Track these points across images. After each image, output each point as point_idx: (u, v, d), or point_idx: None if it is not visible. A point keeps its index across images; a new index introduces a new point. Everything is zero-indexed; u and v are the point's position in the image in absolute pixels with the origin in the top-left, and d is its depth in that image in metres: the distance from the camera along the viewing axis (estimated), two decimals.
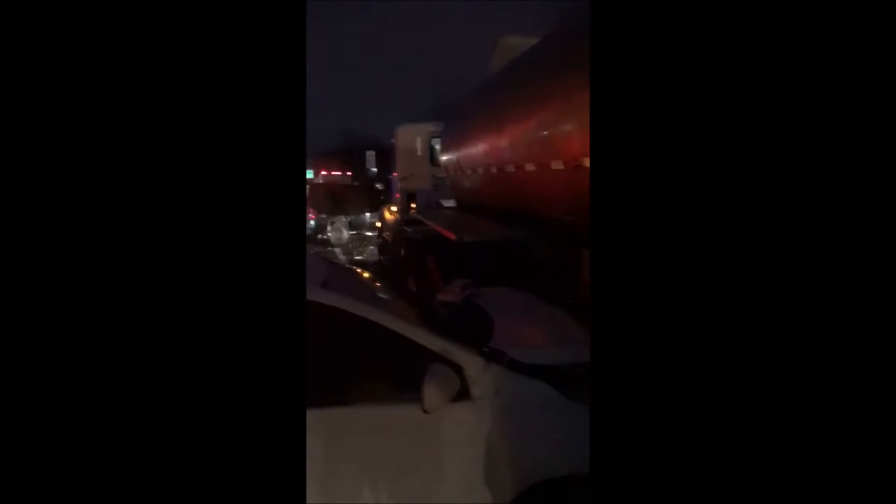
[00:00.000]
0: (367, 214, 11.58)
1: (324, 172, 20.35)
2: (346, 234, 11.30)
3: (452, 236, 4.02)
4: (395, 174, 7.66)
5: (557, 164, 2.91)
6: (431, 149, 7.30)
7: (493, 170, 4.12)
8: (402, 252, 5.91)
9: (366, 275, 2.42)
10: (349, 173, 18.93)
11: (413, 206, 6.73)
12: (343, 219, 11.39)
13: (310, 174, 24.92)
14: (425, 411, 1.40)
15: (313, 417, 1.09)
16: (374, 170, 8.15)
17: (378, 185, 8.88)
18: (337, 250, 10.43)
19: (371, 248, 10.51)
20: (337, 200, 11.28)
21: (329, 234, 11.16)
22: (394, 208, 7.74)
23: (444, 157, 5.68)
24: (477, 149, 4.52)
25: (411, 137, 7.41)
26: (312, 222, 11.21)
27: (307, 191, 11.81)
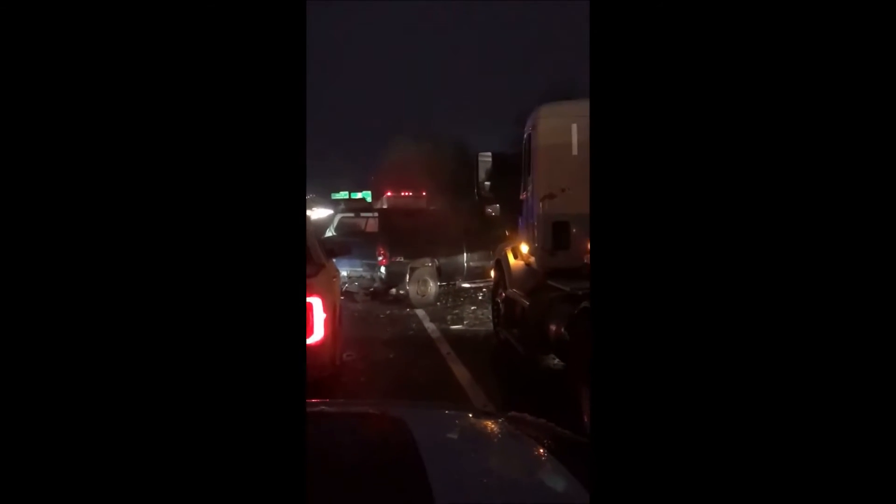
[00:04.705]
0: (465, 255, 10.55)
1: (389, 193, 19.44)
2: (433, 287, 10.16)
3: None
4: (522, 194, 6.42)
5: None
6: None
7: None
8: (557, 331, 4.85)
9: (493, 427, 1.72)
10: (424, 193, 18.05)
11: None
12: (428, 264, 10.20)
13: (367, 195, 24.44)
14: None
15: None
16: (488, 183, 6.86)
17: (490, 210, 7.72)
18: (420, 312, 9.39)
19: (473, 308, 9.55)
20: (415, 235, 10.15)
21: (408, 288, 10.01)
22: (524, 248, 6.40)
23: None
24: None
25: (562, 125, 5.77)
26: (383, 269, 10.01)
27: (372, 224, 10.93)
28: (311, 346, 3.90)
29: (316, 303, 3.96)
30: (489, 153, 7.13)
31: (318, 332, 3.99)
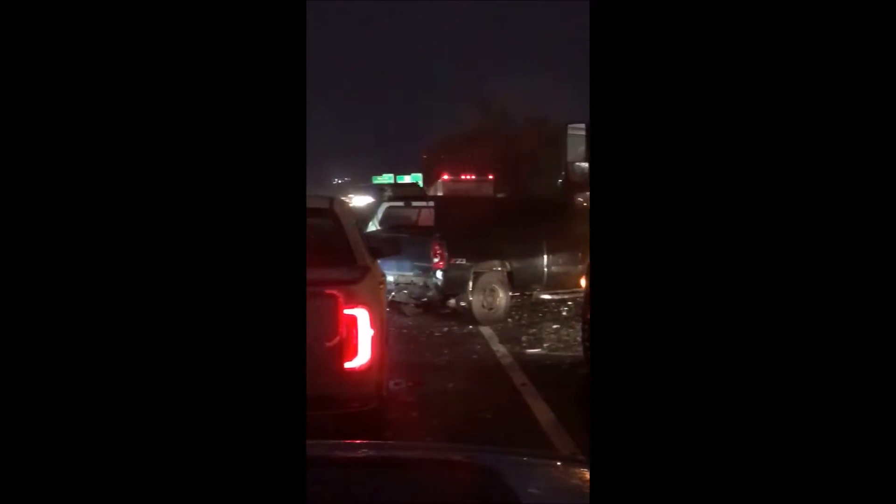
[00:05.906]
0: (545, 258, 10.43)
1: (446, 177, 19.25)
2: (503, 298, 10.03)
3: None
4: None
5: None
6: None
7: None
8: None
9: None
10: (490, 176, 17.77)
11: None
12: (497, 269, 10.09)
13: (417, 179, 24.06)
14: None
15: None
16: (581, 165, 6.76)
17: (581, 199, 7.91)
18: (486, 331, 9.24)
19: (555, 327, 9.46)
20: (480, 231, 10.07)
21: (471, 299, 9.83)
22: None
23: None
24: None
25: None
26: (439, 274, 9.86)
27: (425, 215, 11.21)
28: (354, 370, 3.94)
29: (361, 316, 3.91)
30: (582, 124, 7.05)
31: (363, 354, 3.93)
